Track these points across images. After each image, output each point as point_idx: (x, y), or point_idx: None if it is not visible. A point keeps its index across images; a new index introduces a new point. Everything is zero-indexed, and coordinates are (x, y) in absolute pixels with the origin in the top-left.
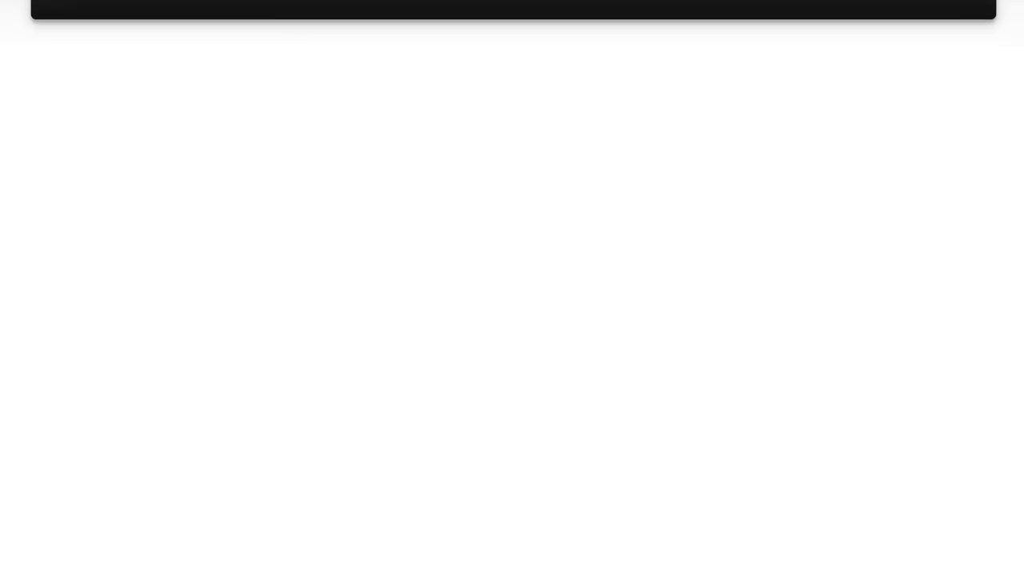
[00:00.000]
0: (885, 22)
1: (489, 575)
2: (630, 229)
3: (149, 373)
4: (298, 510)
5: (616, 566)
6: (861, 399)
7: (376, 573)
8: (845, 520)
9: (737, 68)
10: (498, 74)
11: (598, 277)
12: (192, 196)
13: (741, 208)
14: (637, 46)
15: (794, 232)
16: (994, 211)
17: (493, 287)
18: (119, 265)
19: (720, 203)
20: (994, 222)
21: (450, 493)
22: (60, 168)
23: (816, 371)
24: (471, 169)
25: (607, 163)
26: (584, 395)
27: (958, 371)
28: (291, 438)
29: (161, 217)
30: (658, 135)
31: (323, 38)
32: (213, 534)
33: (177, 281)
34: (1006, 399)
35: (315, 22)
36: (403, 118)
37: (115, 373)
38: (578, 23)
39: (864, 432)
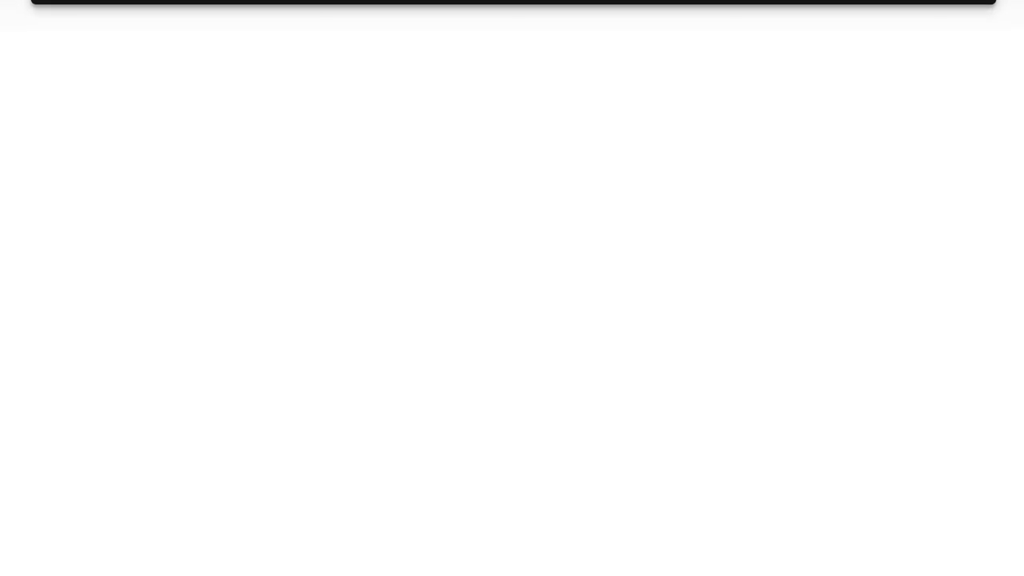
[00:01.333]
0: (883, 7)
1: (488, 574)
2: (629, 221)
3: (143, 364)
4: (297, 509)
5: (615, 566)
6: (859, 394)
7: (375, 573)
8: (844, 520)
9: (730, 55)
10: (494, 63)
11: (599, 270)
12: (194, 183)
13: (734, 196)
14: (627, 32)
15: (790, 220)
16: (993, 199)
17: (488, 280)
18: (120, 251)
19: (713, 193)
20: (994, 210)
21: (449, 492)
22: (61, 155)
23: (813, 368)
24: (467, 161)
25: (603, 154)
26: (583, 389)
27: (957, 365)
28: (287, 435)
29: (163, 204)
30: (652, 123)
31: (325, 24)
32: (211, 534)
33: (178, 269)
34: (1004, 391)
35: (318, 8)
36: (403, 110)
37: (109, 362)
38: (574, 9)
39: (864, 432)
